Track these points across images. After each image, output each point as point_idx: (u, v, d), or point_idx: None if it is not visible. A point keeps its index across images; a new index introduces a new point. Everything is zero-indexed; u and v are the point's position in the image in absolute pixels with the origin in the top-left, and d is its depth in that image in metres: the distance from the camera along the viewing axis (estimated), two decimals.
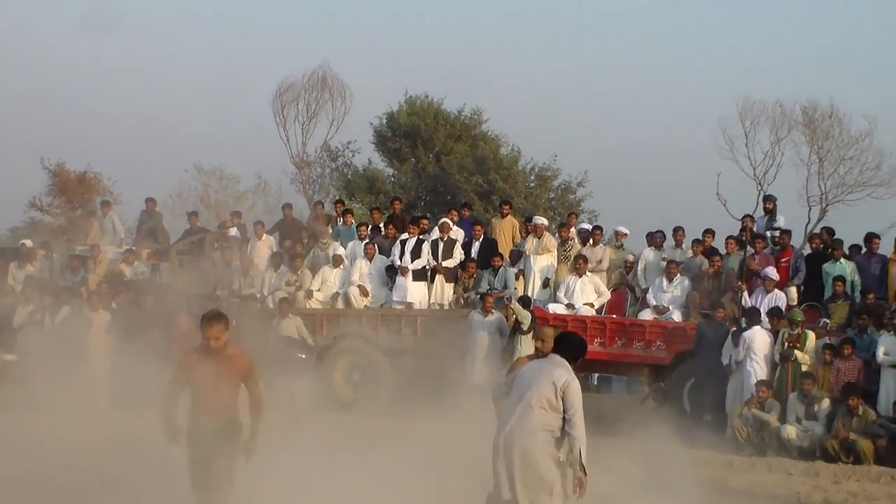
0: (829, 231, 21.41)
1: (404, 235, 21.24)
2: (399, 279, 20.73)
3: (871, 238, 19.10)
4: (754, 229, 20.09)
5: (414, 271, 20.56)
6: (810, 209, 36.20)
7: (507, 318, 18.76)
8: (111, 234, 25.14)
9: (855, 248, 19.34)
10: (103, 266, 22.99)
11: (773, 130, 36.88)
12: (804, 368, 16.90)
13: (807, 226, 33.34)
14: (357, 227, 22.51)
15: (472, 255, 20.76)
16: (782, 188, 35.29)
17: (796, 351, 17.02)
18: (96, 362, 19.01)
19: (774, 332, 17.51)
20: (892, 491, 14.11)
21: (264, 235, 23.37)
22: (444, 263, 20.60)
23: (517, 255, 20.66)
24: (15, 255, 23.40)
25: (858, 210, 35.51)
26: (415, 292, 20.52)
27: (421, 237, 20.99)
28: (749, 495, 13.63)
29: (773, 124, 36.84)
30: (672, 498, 12.66)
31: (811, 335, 17.24)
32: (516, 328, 18.17)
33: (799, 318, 17.36)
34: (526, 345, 17.86)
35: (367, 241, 21.48)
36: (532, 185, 39.25)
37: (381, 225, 22.91)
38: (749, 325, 17.55)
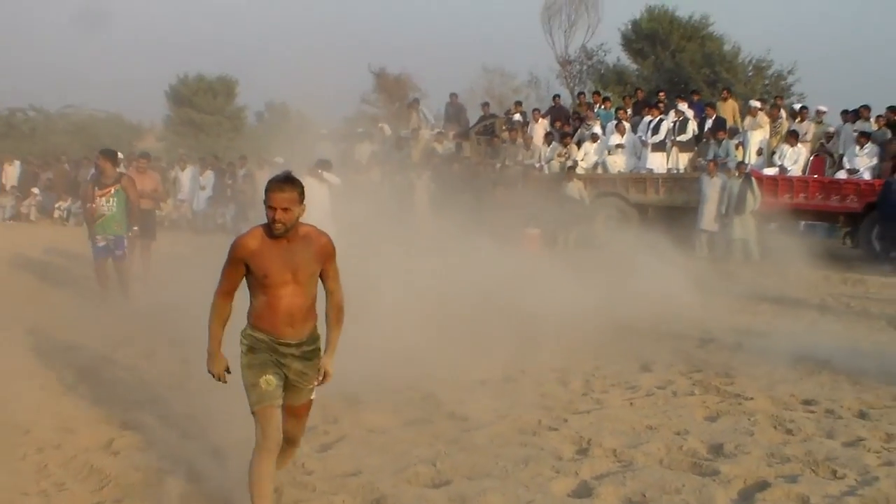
0: None
1: (647, 117, 21.93)
2: (644, 151, 21.55)
3: None
4: None
5: (654, 144, 21.31)
6: None
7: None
8: (425, 121, 26.74)
9: None
10: (421, 144, 24.71)
11: None
12: None
13: None
14: (616, 111, 23.27)
15: (705, 131, 21.25)
16: None
17: None
18: (421, 213, 20.63)
19: None
20: None
21: (540, 119, 24.49)
22: (679, 138, 21.26)
23: (734, 132, 21.01)
24: (363, 138, 25.21)
25: None
26: (656, 161, 21.32)
27: (661, 117, 21.67)
28: None
29: None
30: (865, 306, 13.47)
31: None
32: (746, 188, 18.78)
33: None
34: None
35: (617, 121, 22.24)
36: (750, 73, 38.56)
37: (630, 109, 23.59)
38: None
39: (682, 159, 21.19)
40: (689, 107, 22.07)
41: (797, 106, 22.24)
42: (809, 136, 20.31)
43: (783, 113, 21.21)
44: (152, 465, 6.22)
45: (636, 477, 6.12)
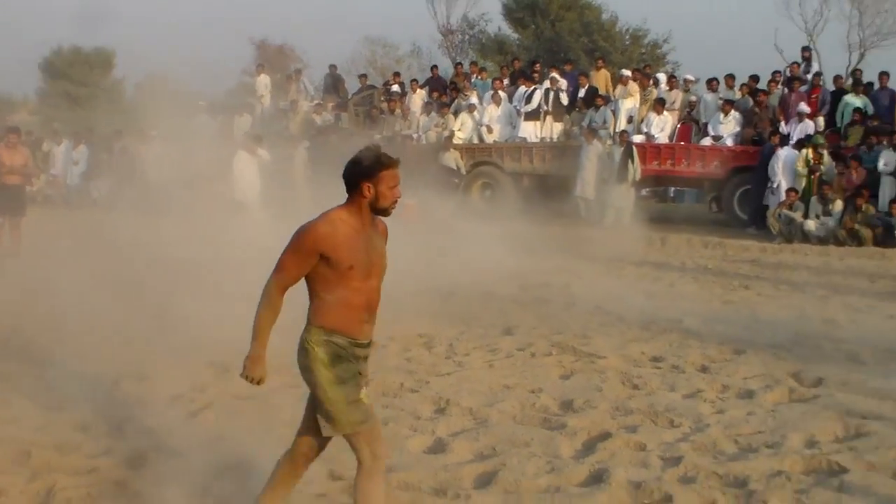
0: (859, 71, 21.96)
1: (522, 87, 22.41)
2: (518, 120, 22.04)
3: (881, 75, 19.60)
4: (798, 74, 20.78)
5: (528, 113, 21.80)
6: (850, 54, 36.22)
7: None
8: (304, 92, 26.79)
9: (869, 84, 19.79)
10: (300, 116, 24.78)
11: None
12: (824, 178, 17.85)
13: (846, 68, 33.30)
14: (492, 81, 23.71)
15: (578, 100, 21.82)
16: (829, 38, 35.16)
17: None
18: (299, 185, 20.74)
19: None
20: (880, 263, 15.30)
21: (418, 90, 24.79)
22: (552, 107, 21.73)
23: (606, 100, 21.60)
24: (239, 110, 25.06)
25: (891, 53, 35.47)
26: (530, 129, 21.81)
27: (535, 87, 22.15)
28: (777, 267, 14.95)
29: None
30: (721, 268, 14.21)
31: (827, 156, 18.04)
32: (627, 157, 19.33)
33: (822, 141, 18.20)
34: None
35: (493, 92, 22.67)
36: (627, 43, 39.50)
37: (507, 79, 24.03)
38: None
39: (556, 128, 21.72)
40: (563, 76, 22.58)
41: (662, 76, 22.98)
42: (677, 105, 21.04)
43: (653, 82, 21.89)
44: (18, 437, 6.37)
45: (489, 433, 6.53)
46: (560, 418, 6.88)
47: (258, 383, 4.56)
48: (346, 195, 4.46)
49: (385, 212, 4.45)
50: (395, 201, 4.45)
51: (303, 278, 4.49)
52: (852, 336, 9.60)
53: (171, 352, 8.34)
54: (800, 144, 18.26)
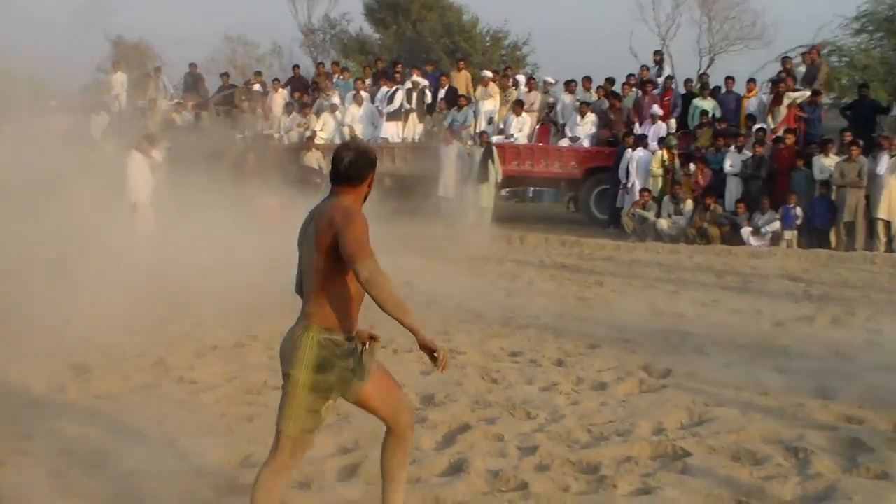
0: (706, 76, 22.86)
1: (384, 87, 22.58)
2: (380, 120, 22.20)
3: (727, 80, 20.47)
4: (649, 77, 21.50)
5: (390, 113, 22.00)
6: (701, 59, 37.67)
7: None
8: (163, 91, 26.34)
9: (717, 88, 20.64)
10: (159, 115, 24.36)
11: None
12: (675, 178, 18.57)
13: (697, 71, 34.55)
14: (354, 81, 23.78)
15: (438, 100, 22.10)
16: (681, 43, 36.35)
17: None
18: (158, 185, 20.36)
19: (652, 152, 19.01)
20: (727, 260, 16.02)
21: (280, 89, 24.68)
22: (413, 108, 21.98)
23: (468, 100, 21.95)
24: (95, 107, 24.40)
25: (738, 58, 37.04)
26: (392, 130, 22.00)
27: (397, 87, 22.35)
28: (631, 264, 15.50)
29: None
30: (578, 265, 14.64)
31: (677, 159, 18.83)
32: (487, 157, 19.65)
33: (674, 143, 18.95)
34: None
35: (355, 92, 22.79)
36: (488, 44, 40.02)
37: (370, 79, 24.18)
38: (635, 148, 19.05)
39: (418, 129, 21.96)
40: (424, 77, 22.84)
41: (521, 77, 23.49)
42: (536, 106, 21.51)
43: (512, 84, 22.35)
44: None
45: (351, 427, 6.66)
46: (421, 412, 7.06)
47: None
48: (344, 188, 4.45)
49: (365, 199, 4.58)
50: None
51: (314, 273, 4.52)
52: (699, 329, 10.10)
53: (27, 354, 8.23)
54: (642, 143, 18.98)
